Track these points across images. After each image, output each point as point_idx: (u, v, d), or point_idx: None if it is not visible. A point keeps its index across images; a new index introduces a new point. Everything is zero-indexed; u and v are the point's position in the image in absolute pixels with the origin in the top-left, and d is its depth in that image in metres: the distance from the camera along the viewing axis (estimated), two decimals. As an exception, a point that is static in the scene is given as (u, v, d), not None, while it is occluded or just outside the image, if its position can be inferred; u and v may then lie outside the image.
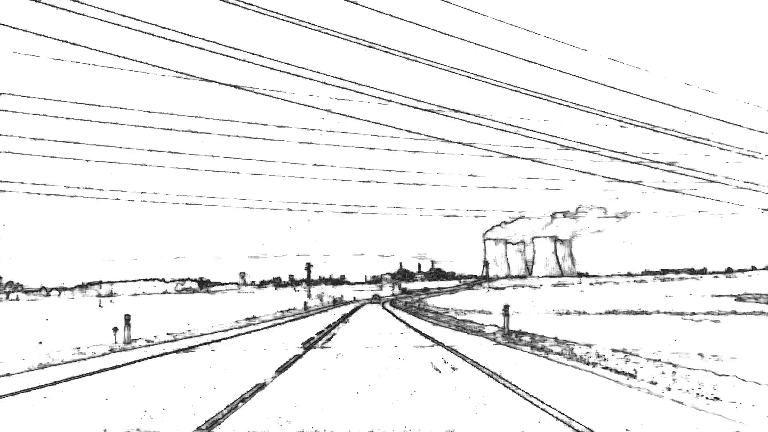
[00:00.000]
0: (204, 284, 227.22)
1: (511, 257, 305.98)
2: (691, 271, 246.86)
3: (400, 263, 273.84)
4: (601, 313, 38.54)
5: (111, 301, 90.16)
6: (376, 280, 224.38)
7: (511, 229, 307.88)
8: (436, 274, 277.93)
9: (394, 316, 40.87)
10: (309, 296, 72.85)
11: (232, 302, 79.69)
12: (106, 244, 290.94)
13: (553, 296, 72.38)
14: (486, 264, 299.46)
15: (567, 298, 63.91)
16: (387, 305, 65.05)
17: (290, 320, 39.01)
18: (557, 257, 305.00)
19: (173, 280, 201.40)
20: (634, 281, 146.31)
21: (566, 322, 30.04)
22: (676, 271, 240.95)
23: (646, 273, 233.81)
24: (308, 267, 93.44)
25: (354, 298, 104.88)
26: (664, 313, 37.26)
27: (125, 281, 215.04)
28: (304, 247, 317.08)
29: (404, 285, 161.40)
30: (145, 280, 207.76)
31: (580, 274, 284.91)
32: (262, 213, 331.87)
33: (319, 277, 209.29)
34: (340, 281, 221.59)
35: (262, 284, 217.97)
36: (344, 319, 39.47)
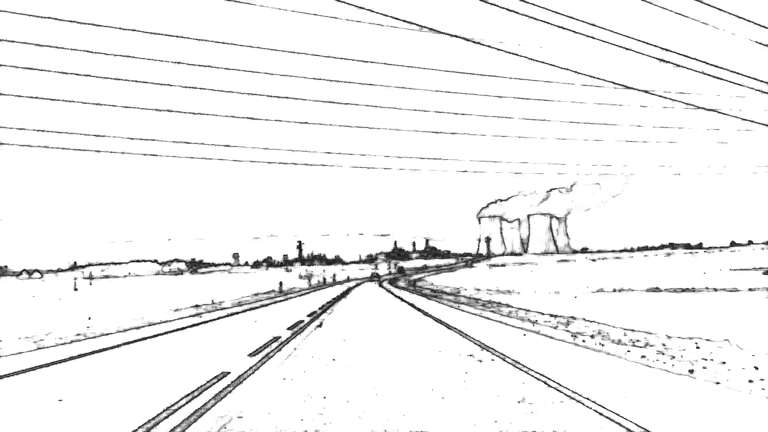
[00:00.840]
0: (195, 265, 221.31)
1: (507, 234, 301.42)
2: (688, 246, 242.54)
3: (395, 242, 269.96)
4: (647, 290, 32.81)
5: (90, 283, 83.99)
6: (371, 259, 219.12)
7: (506, 206, 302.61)
8: (431, 252, 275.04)
9: (403, 300, 32.54)
10: (309, 278, 66.97)
11: (207, 284, 73.33)
12: (99, 227, 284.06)
13: (566, 272, 66.68)
14: (488, 240, 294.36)
15: (585, 275, 58.20)
16: (386, 284, 59.51)
17: (245, 310, 28.14)
18: (552, 234, 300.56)
19: (164, 262, 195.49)
20: (644, 256, 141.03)
21: (616, 304, 24.15)
22: (673, 246, 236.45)
23: (644, 248, 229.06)
24: (299, 245, 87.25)
25: (348, 277, 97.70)
26: (714, 290, 31.51)
27: (118, 263, 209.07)
28: (300, 228, 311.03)
29: (401, 263, 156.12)
30: (137, 261, 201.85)
31: (575, 251, 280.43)
32: (259, 193, 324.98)
33: (311, 255, 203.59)
34: (335, 261, 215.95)
35: (256, 265, 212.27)
36: (329, 306, 29.31)
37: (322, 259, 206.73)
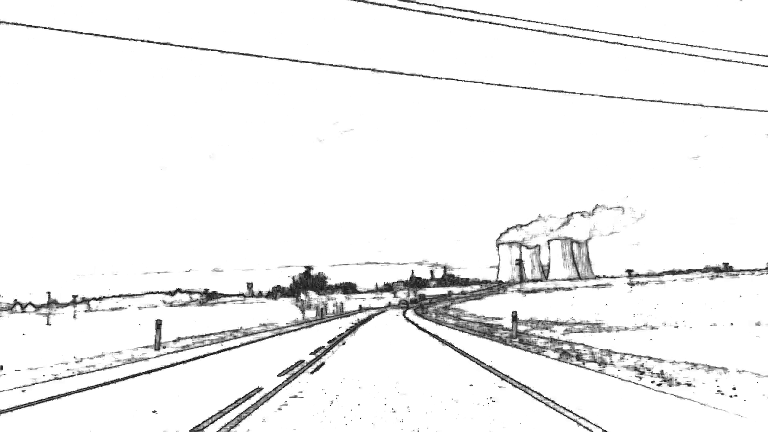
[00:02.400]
0: (210, 296, 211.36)
1: (526, 260, 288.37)
2: (717, 270, 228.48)
3: (412, 270, 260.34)
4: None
5: (75, 316, 73.68)
6: (389, 288, 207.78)
7: (526, 231, 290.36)
8: (449, 280, 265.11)
9: (448, 344, 20.80)
10: (303, 308, 55.40)
11: (210, 316, 62.85)
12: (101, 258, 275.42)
13: (619, 299, 55.45)
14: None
15: (642, 302, 47.04)
16: (412, 315, 49.19)
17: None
18: (574, 259, 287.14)
19: (169, 292, 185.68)
20: (685, 280, 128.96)
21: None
22: (703, 270, 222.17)
23: (676, 272, 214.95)
24: (307, 271, 76.50)
25: (360, 306, 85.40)
26: None
27: (128, 295, 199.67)
28: (313, 257, 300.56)
29: (421, 291, 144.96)
30: (146, 293, 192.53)
31: (605, 276, 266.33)
32: (270, 223, 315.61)
33: (323, 283, 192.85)
34: (351, 289, 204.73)
35: (270, 295, 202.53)
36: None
37: (336, 288, 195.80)
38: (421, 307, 68.28)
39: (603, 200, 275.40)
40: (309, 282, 68.56)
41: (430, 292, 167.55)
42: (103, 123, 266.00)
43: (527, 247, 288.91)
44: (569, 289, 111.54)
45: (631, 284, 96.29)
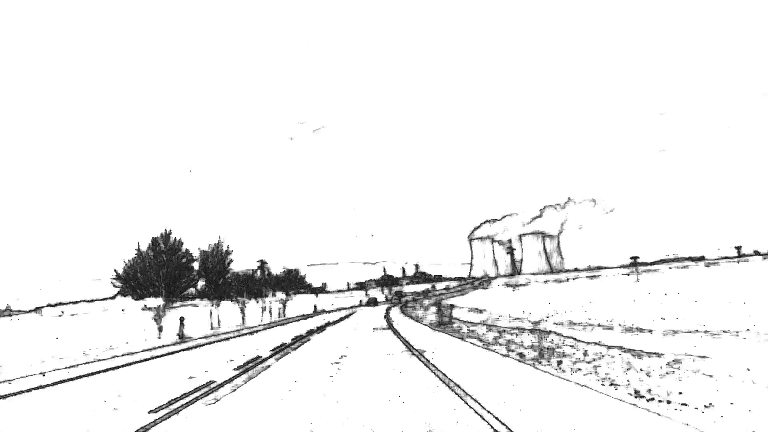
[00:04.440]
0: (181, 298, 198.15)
1: (499, 256, 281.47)
2: (692, 259, 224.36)
3: (384, 268, 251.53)
4: None
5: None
6: (361, 287, 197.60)
7: (499, 226, 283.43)
8: (421, 277, 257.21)
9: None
10: (159, 322, 44.68)
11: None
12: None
13: (623, 292, 46.19)
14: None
15: (653, 298, 37.72)
16: (395, 313, 38.75)
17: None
18: (546, 253, 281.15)
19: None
20: (668, 268, 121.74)
21: None
22: (678, 260, 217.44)
23: (639, 263, 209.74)
24: (261, 266, 65.75)
25: (315, 308, 67.30)
26: None
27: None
28: (286, 257, 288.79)
29: (398, 288, 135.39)
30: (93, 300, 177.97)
31: (568, 270, 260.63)
32: (244, 223, 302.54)
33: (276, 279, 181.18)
34: (321, 290, 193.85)
35: (202, 295, 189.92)
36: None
37: (305, 288, 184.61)
38: (404, 305, 57.49)
39: (574, 193, 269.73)
40: (266, 275, 58.31)
41: (405, 289, 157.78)
42: (69, 135, 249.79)
43: (499, 242, 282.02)
44: (560, 281, 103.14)
45: (637, 273, 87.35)
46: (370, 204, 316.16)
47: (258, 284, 53.65)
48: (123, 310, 49.03)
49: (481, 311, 30.96)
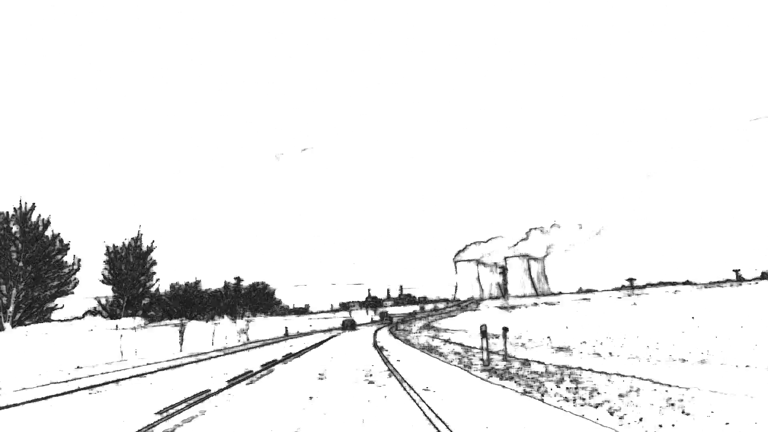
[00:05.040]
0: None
1: (484, 278, 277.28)
2: (674, 283, 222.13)
3: (368, 290, 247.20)
4: None
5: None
6: (345, 307, 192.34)
7: (485, 248, 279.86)
8: (406, 299, 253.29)
9: None
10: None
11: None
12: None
13: (616, 314, 42.13)
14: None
15: (660, 320, 33.78)
16: (384, 337, 33.81)
17: None
18: (531, 276, 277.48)
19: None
20: (674, 292, 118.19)
21: None
22: (673, 283, 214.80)
23: (635, 286, 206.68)
24: (238, 282, 60.21)
25: (287, 331, 58.96)
26: None
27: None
28: (269, 278, 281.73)
29: (383, 309, 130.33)
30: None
31: (553, 293, 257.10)
32: (227, 242, 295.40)
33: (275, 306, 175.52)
34: (304, 310, 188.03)
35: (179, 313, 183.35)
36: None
37: (289, 311, 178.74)
38: (395, 327, 52.08)
39: (560, 217, 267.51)
40: (239, 291, 52.35)
41: (391, 311, 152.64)
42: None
43: (485, 265, 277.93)
44: (552, 304, 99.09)
45: (634, 295, 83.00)
46: (354, 225, 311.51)
47: (229, 301, 48.64)
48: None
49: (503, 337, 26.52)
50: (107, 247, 30.58)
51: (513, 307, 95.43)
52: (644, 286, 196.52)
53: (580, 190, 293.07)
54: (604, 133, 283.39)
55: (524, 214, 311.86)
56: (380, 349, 23.69)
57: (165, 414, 10.99)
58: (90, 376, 21.22)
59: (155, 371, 22.32)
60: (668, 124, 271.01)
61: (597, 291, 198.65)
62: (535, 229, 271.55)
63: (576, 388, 11.13)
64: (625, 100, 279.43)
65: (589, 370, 13.81)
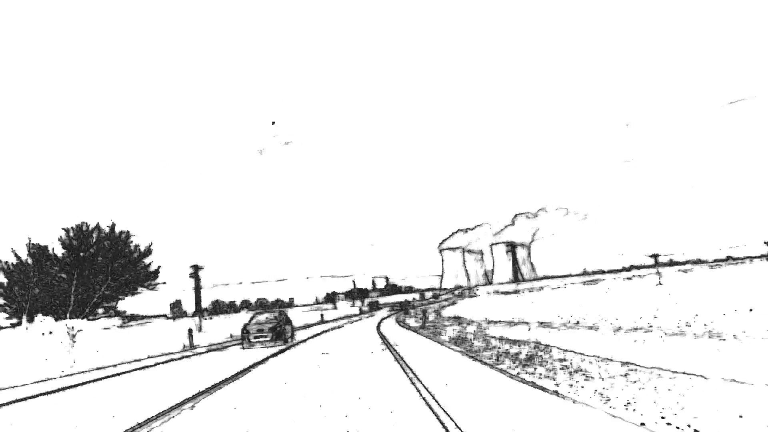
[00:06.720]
0: (131, 318, 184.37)
1: (470, 266, 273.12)
2: (660, 264, 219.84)
3: (353, 281, 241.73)
4: None
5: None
6: (330, 300, 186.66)
7: (470, 235, 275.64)
8: (392, 289, 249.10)
9: None
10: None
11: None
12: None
13: (662, 297, 36.92)
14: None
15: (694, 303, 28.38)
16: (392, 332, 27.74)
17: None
18: (517, 263, 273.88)
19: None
20: (678, 271, 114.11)
21: None
22: (661, 264, 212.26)
23: (660, 263, 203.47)
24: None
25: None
26: None
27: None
28: (256, 273, 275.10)
29: (373, 299, 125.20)
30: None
31: (540, 277, 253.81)
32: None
33: (259, 302, 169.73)
34: (288, 305, 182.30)
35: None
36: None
37: (274, 305, 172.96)
38: (407, 314, 45.85)
39: (546, 202, 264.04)
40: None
41: (384, 300, 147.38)
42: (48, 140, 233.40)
43: (470, 252, 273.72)
44: (555, 287, 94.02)
45: (659, 274, 76.54)
46: (337, 218, 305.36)
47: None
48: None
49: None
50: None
51: (522, 291, 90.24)
52: (667, 264, 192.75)
53: (567, 175, 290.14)
54: (584, 117, 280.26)
55: (510, 200, 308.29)
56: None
57: None
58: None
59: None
60: (647, 108, 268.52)
61: (604, 272, 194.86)
62: (521, 214, 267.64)
63: None
64: (605, 84, 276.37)
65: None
